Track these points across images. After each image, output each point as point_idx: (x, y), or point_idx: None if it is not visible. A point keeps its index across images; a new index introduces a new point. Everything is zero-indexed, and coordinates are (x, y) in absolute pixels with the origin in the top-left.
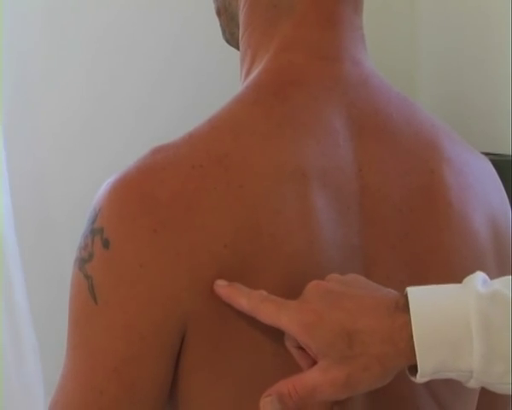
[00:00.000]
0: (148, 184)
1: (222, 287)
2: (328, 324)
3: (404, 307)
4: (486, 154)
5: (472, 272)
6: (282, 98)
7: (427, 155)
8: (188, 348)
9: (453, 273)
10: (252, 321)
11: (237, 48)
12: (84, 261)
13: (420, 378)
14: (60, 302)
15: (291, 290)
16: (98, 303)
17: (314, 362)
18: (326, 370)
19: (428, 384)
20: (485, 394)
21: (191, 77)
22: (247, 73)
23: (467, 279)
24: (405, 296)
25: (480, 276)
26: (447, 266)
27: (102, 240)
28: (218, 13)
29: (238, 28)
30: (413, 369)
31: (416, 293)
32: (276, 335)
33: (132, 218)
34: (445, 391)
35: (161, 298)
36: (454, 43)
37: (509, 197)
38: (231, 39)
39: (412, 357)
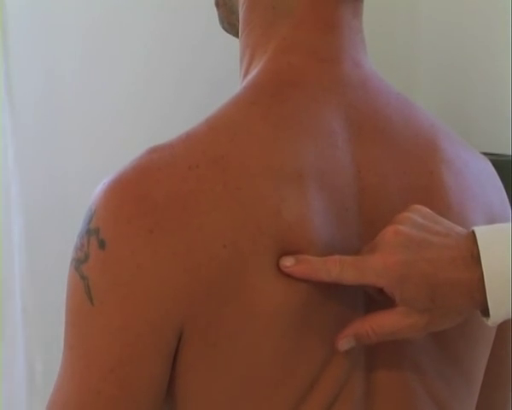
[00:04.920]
0: (144, 184)
1: (292, 267)
2: (413, 277)
3: (478, 257)
4: (486, 154)
5: None
6: (279, 99)
7: (426, 156)
8: (185, 348)
9: None
10: (252, 319)
11: (237, 36)
12: (79, 262)
13: (491, 324)
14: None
15: (290, 290)
16: (94, 304)
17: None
18: (406, 315)
19: (426, 384)
20: (485, 395)
21: (190, 76)
22: (246, 73)
23: None
24: (477, 245)
25: None
26: None
27: (98, 240)
28: (217, 4)
29: (239, 21)
30: (486, 310)
31: (485, 242)
32: (275, 331)
33: (128, 218)
34: (442, 391)
35: (158, 298)
36: (454, 42)
37: (509, 197)
38: (231, 29)
39: (486, 305)
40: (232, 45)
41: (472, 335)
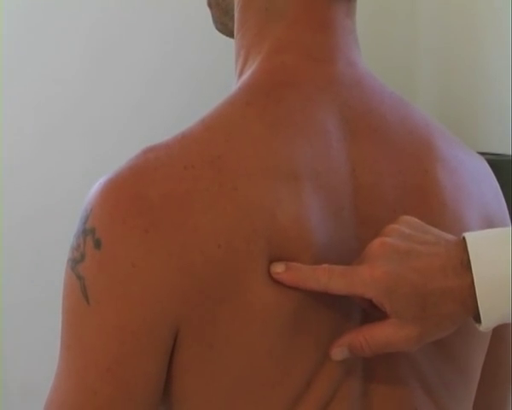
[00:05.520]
0: (140, 184)
1: (282, 274)
2: (401, 287)
3: (468, 264)
4: (486, 154)
5: None
6: (274, 99)
7: (421, 154)
8: (181, 348)
9: None
10: (247, 320)
11: (231, 36)
12: (76, 262)
13: (483, 329)
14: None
15: (282, 295)
16: (90, 304)
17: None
18: (399, 327)
19: (424, 383)
20: (482, 394)
21: (186, 75)
22: (240, 74)
23: None
24: (467, 252)
25: None
26: None
27: (94, 240)
28: (210, 5)
29: (232, 22)
30: (478, 316)
31: (476, 248)
32: (270, 332)
33: (124, 218)
34: (440, 389)
35: (153, 298)
36: (454, 42)
37: (508, 197)
38: (224, 29)
39: (478, 311)
40: (222, 44)
41: (468, 333)
